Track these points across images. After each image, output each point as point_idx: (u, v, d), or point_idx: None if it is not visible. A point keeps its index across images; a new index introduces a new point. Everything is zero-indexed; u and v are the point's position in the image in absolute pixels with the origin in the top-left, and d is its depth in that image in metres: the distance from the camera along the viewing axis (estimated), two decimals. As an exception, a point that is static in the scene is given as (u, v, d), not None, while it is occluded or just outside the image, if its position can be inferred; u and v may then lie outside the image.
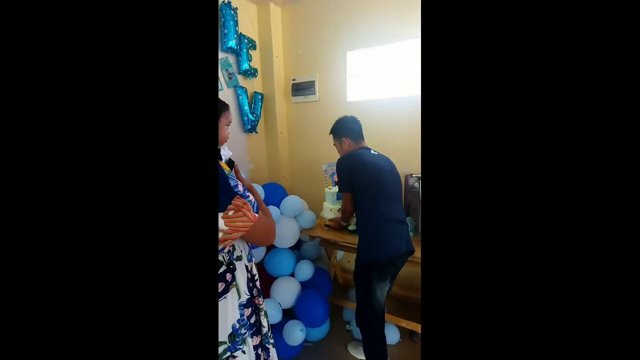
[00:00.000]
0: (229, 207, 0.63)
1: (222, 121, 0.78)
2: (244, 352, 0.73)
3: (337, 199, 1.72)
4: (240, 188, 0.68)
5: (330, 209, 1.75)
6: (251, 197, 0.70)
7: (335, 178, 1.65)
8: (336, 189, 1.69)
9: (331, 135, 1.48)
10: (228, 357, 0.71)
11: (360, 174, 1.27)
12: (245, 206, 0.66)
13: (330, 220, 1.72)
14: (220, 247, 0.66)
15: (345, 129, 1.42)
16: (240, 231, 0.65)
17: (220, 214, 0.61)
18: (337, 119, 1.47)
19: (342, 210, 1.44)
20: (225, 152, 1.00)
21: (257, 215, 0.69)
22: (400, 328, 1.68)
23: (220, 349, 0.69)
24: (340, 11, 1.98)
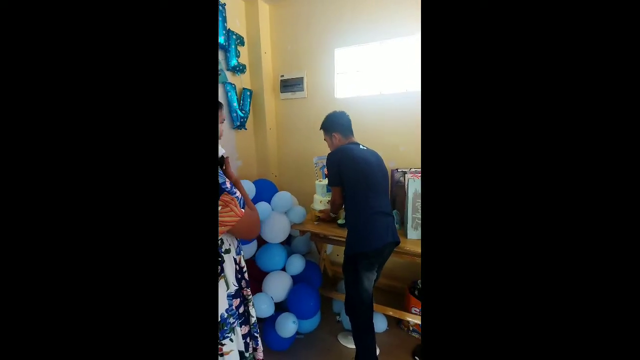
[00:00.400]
0: (219, 202, 0.66)
1: None
2: (231, 340, 0.76)
3: (327, 191, 1.76)
4: (228, 185, 0.70)
5: (320, 200, 1.79)
6: (238, 193, 0.72)
7: (326, 171, 1.68)
8: (326, 181, 1.72)
9: (322, 131, 1.51)
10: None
11: (349, 168, 1.31)
12: (233, 202, 0.69)
13: (320, 211, 1.77)
14: None
15: (335, 124, 1.45)
16: (228, 226, 0.68)
17: None
18: (326, 114, 1.50)
19: (332, 202, 1.47)
20: (220, 150, 1.01)
21: (243, 210, 0.72)
22: (388, 317, 1.76)
23: None
24: (328, 8, 2.00)
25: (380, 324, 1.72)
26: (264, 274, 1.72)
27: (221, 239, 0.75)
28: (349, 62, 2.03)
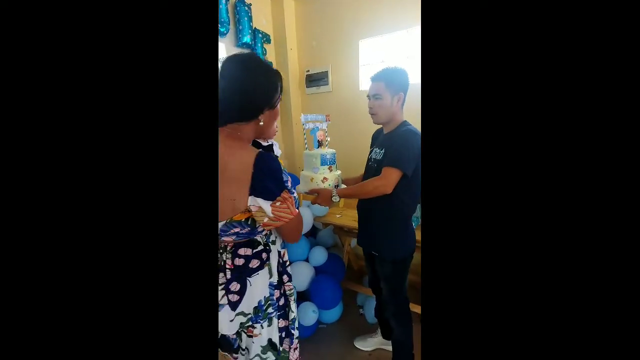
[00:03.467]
0: (278, 198, 0.70)
1: (272, 116, 0.80)
2: (262, 326, 0.79)
3: (322, 164, 1.23)
4: (289, 184, 0.74)
5: (312, 178, 1.21)
6: (295, 194, 0.76)
7: (320, 136, 1.30)
8: (320, 150, 1.28)
9: (378, 84, 1.16)
10: (248, 327, 0.79)
11: (419, 163, 1.11)
12: (290, 200, 0.72)
13: (312, 191, 1.20)
14: (260, 229, 0.75)
15: (404, 84, 1.15)
16: (282, 221, 0.72)
17: (270, 202, 0.69)
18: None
19: (380, 185, 1.07)
20: (277, 150, 1.02)
21: (297, 210, 0.75)
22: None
23: (244, 319, 0.77)
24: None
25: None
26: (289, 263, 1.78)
27: (270, 231, 0.79)
28: (373, 53, 1.99)
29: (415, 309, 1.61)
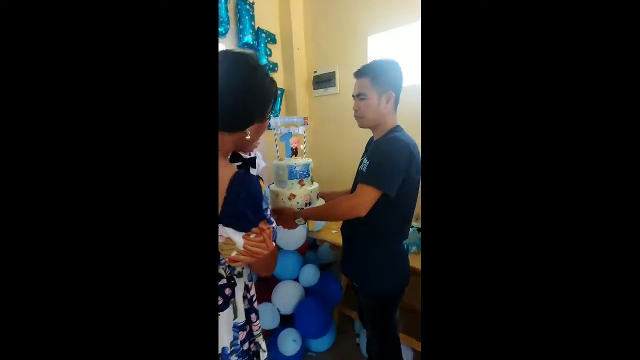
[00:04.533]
0: (254, 229, 0.57)
1: (261, 130, 0.67)
2: None
3: (290, 177, 1.00)
4: (268, 212, 0.62)
5: (277, 194, 1.02)
6: (274, 224, 0.63)
7: (294, 142, 1.07)
8: (289, 161, 1.04)
9: (362, 80, 0.94)
10: None
11: (412, 182, 0.90)
12: (268, 231, 0.60)
13: (274, 210, 0.98)
14: (222, 260, 0.61)
15: (396, 81, 0.92)
16: (254, 257, 0.59)
17: (243, 234, 0.56)
18: (383, 63, 0.95)
19: (352, 205, 0.87)
20: (260, 162, 0.87)
21: (274, 244, 0.62)
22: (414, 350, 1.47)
23: None
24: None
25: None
26: (277, 281, 1.63)
27: None
28: (381, 49, 1.78)
29: (415, 345, 1.38)
